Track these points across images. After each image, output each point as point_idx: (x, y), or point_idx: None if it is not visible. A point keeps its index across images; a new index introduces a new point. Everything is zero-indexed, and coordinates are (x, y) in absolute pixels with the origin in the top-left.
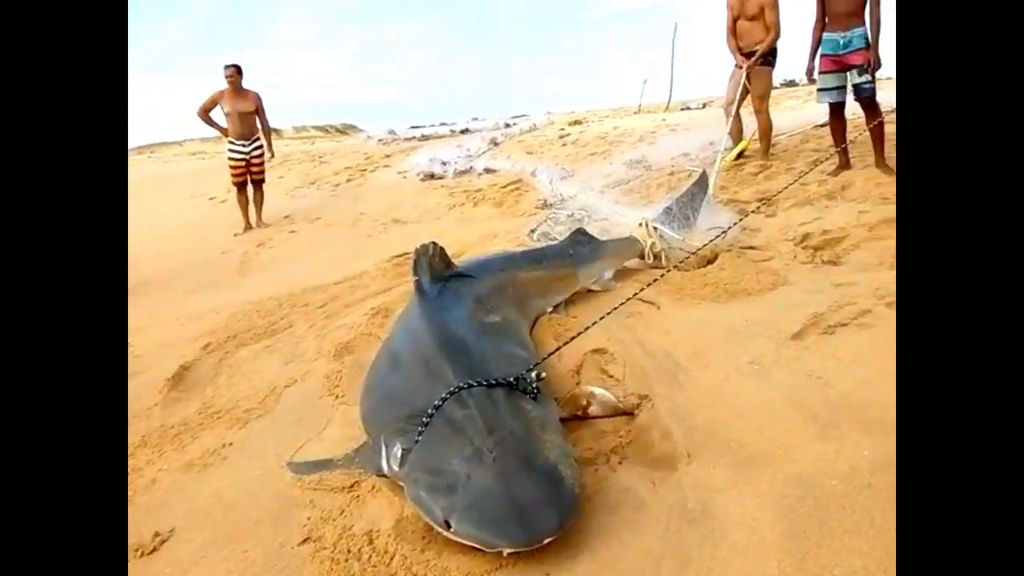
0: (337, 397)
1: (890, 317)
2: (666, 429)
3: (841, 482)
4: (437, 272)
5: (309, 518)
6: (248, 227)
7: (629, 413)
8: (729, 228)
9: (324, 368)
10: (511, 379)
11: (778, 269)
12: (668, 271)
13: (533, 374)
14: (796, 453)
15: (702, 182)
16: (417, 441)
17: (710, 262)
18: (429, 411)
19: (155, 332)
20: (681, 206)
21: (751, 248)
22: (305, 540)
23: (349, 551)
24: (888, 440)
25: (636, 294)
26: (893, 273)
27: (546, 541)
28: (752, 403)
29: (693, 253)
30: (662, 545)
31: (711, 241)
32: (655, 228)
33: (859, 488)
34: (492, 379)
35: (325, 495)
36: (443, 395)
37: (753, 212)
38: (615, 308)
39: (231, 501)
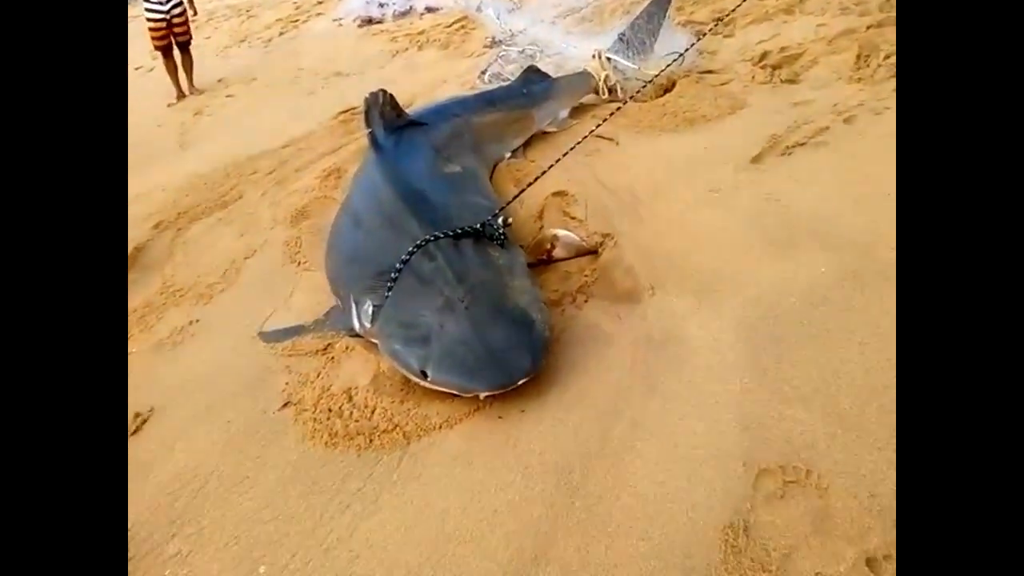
0: (299, 264)
1: (847, 133)
2: (629, 265)
3: (799, 299)
4: (390, 123)
5: (287, 383)
6: (181, 95)
7: (593, 252)
8: (684, 53)
9: (282, 236)
10: (477, 226)
11: (736, 92)
12: (624, 104)
13: (500, 220)
14: (756, 275)
15: (660, 3)
16: (387, 297)
17: (668, 90)
18: (397, 266)
19: None
20: (636, 31)
21: (709, 72)
22: (286, 404)
23: (330, 409)
24: (843, 256)
25: (593, 131)
26: (850, 87)
27: (520, 382)
28: (713, 230)
29: (648, 82)
30: (629, 374)
31: (665, 68)
32: (608, 59)
33: (816, 303)
34: (458, 228)
35: (300, 360)
36: (410, 249)
37: (710, 32)
38: (573, 147)
39: (207, 375)
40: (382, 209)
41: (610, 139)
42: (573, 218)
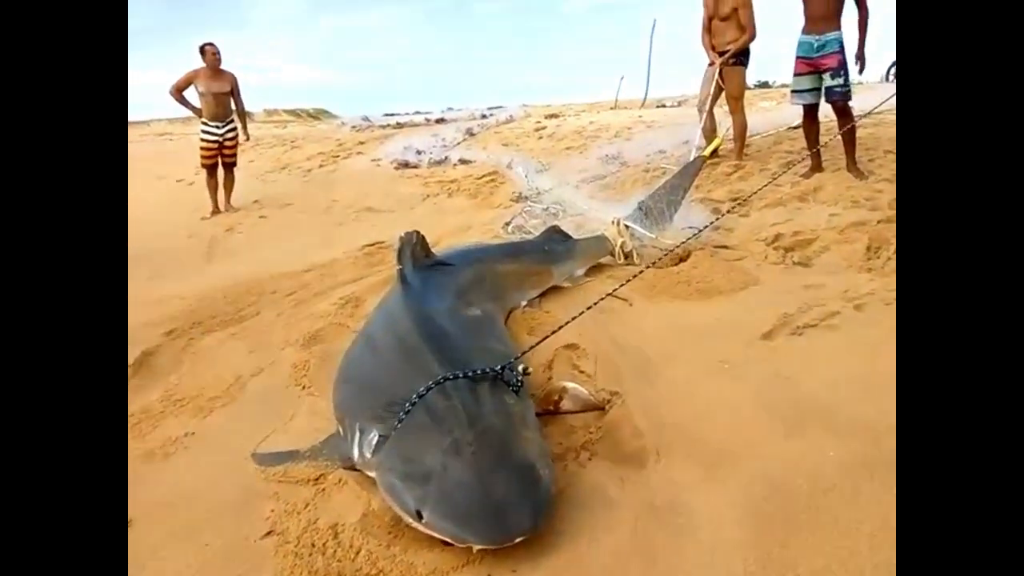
0: (304, 388)
1: (857, 319)
2: (636, 426)
3: (807, 482)
4: (419, 261)
5: (273, 511)
6: (216, 211)
7: (600, 408)
8: (704, 229)
9: (292, 357)
10: (497, 370)
11: (749, 269)
12: (644, 269)
13: (520, 367)
14: (763, 452)
15: (683, 179)
16: (396, 428)
17: (682, 260)
18: (412, 398)
19: None
20: (656, 202)
21: (724, 247)
22: (268, 533)
23: (313, 545)
24: (853, 442)
25: (612, 292)
26: (861, 276)
27: (518, 540)
28: (721, 402)
29: (667, 253)
30: (630, 543)
31: (685, 241)
32: (627, 226)
33: (824, 488)
34: (478, 370)
35: (290, 487)
36: (428, 384)
37: (728, 212)
38: (592, 305)
39: (193, 492)
40: (401, 342)
41: (625, 300)
42: (582, 372)
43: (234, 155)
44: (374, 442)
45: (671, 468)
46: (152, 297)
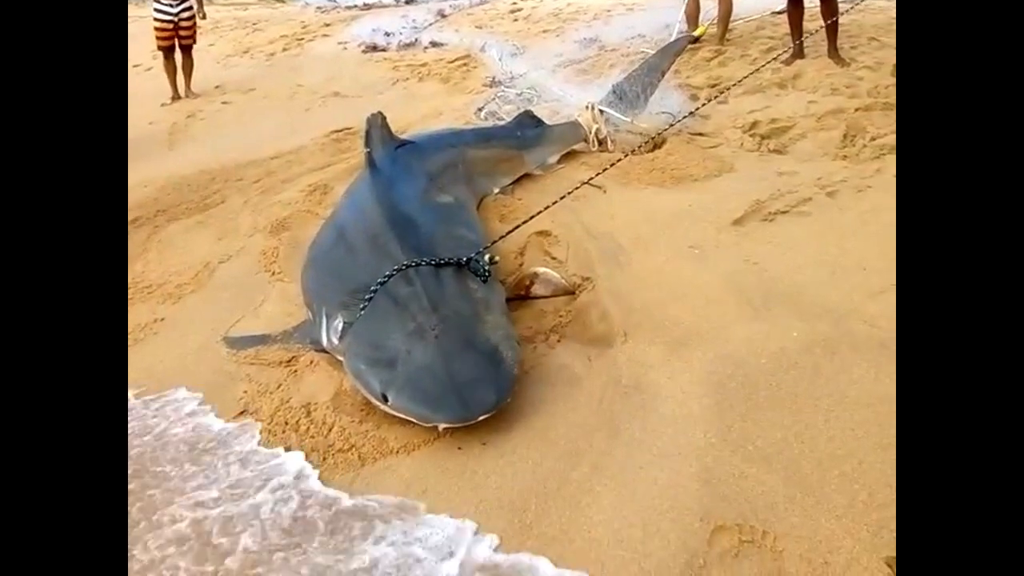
0: (274, 273)
1: (828, 206)
2: (605, 309)
3: (770, 361)
4: (388, 145)
5: (246, 391)
6: (176, 96)
7: (571, 293)
8: (683, 118)
9: (260, 244)
10: (462, 259)
11: (725, 156)
12: (621, 159)
13: (486, 257)
14: (729, 333)
15: (661, 60)
16: (360, 315)
17: (657, 147)
18: (374, 286)
19: None
20: (632, 84)
21: (699, 135)
22: (241, 412)
23: (286, 423)
24: (816, 323)
25: (587, 180)
26: (835, 163)
27: (481, 418)
28: (690, 286)
29: (644, 142)
30: (595, 417)
31: (663, 130)
32: (600, 111)
33: (786, 367)
34: (442, 258)
35: (262, 369)
36: (389, 271)
37: (709, 102)
38: (566, 194)
39: (164, 375)
40: (369, 228)
41: (598, 187)
42: (554, 258)
43: (192, 36)
44: (340, 328)
45: (637, 348)
46: None
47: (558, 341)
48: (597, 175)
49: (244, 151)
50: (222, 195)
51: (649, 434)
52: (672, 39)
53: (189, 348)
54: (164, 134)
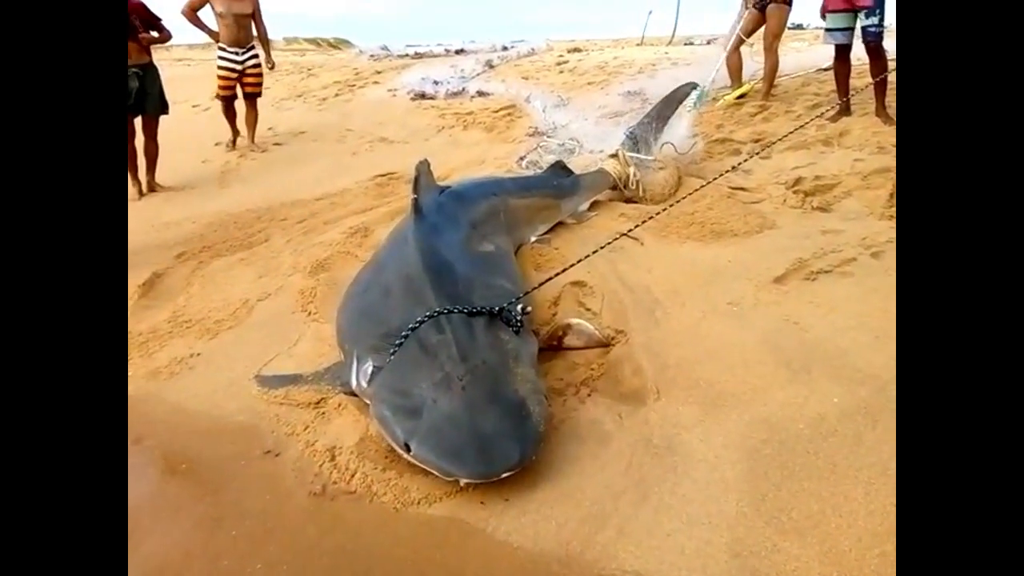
0: (310, 314)
1: (873, 267)
2: (638, 364)
3: (808, 427)
4: (433, 191)
5: (273, 432)
6: (233, 143)
7: (604, 345)
8: (725, 173)
9: (299, 284)
10: (495, 309)
11: (767, 212)
12: (661, 212)
13: (519, 307)
14: (766, 396)
15: (666, 107)
16: (389, 360)
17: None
18: (405, 331)
19: (129, 239)
20: (643, 130)
21: (741, 189)
22: (267, 452)
23: (310, 466)
24: (858, 389)
25: (626, 232)
26: (882, 223)
27: (504, 475)
28: (727, 344)
29: (687, 195)
30: (623, 478)
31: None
32: (630, 156)
33: (825, 434)
34: (475, 307)
35: (291, 410)
36: (421, 317)
37: (751, 157)
38: (604, 245)
39: (195, 411)
40: (406, 273)
41: (636, 239)
42: (588, 309)
43: (258, 86)
44: (369, 371)
45: (670, 407)
46: (164, 220)
47: (589, 395)
48: (636, 227)
49: (290, 192)
50: (266, 234)
51: (679, 499)
52: (676, 87)
53: (220, 385)
54: (216, 173)
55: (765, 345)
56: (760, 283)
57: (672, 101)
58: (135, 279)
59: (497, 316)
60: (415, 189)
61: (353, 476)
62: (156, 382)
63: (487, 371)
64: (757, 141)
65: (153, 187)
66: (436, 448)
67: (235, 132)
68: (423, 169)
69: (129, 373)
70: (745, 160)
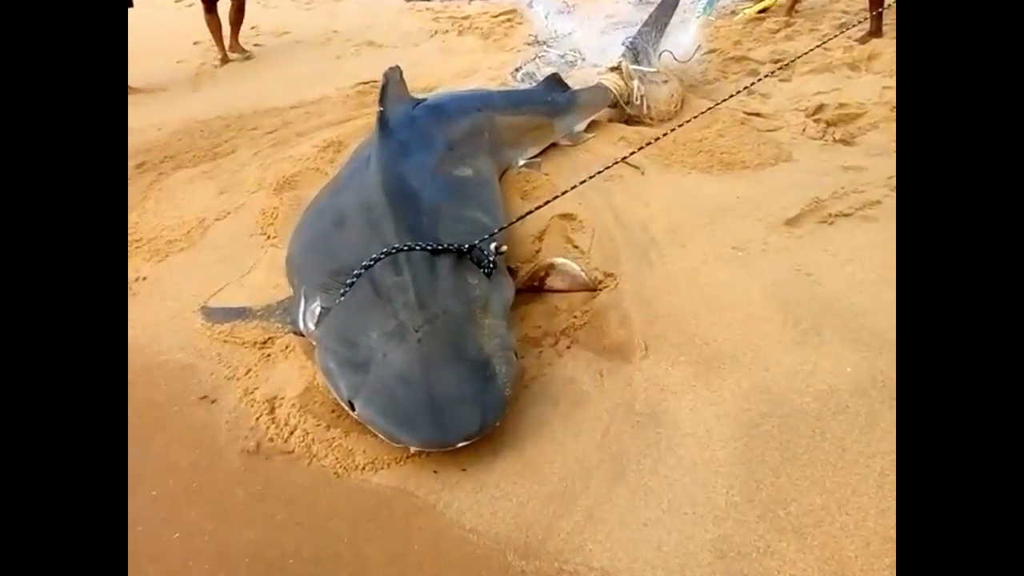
0: (269, 237)
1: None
2: (626, 313)
3: (815, 401)
4: (405, 104)
5: (212, 374)
6: (224, 58)
7: (591, 289)
8: (738, 93)
9: (261, 202)
10: (464, 246)
11: (783, 142)
12: (666, 134)
13: (492, 245)
14: (768, 360)
15: (660, 14)
16: (339, 302)
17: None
18: (357, 270)
19: None
20: (642, 40)
21: (756, 115)
22: (202, 398)
23: (247, 419)
24: (876, 358)
25: (623, 159)
26: None
27: (459, 445)
28: (728, 294)
29: (696, 116)
30: (598, 451)
31: (716, 105)
32: (634, 69)
33: (834, 411)
34: (440, 244)
35: (234, 350)
36: (376, 254)
37: (767, 76)
38: (597, 173)
39: (133, 345)
40: (365, 200)
41: (635, 167)
42: (576, 247)
43: None
44: (317, 312)
45: (658, 367)
46: (129, 125)
47: (568, 347)
48: (635, 152)
49: (265, 98)
50: (233, 144)
51: (660, 481)
52: None
53: (163, 316)
54: (190, 74)
55: (772, 299)
56: (770, 224)
57: (668, 7)
58: None
59: (466, 255)
60: (381, 101)
61: (292, 433)
62: None
63: (448, 322)
64: (777, 62)
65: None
66: (383, 409)
67: (221, 48)
68: (393, 78)
69: None
70: (758, 80)
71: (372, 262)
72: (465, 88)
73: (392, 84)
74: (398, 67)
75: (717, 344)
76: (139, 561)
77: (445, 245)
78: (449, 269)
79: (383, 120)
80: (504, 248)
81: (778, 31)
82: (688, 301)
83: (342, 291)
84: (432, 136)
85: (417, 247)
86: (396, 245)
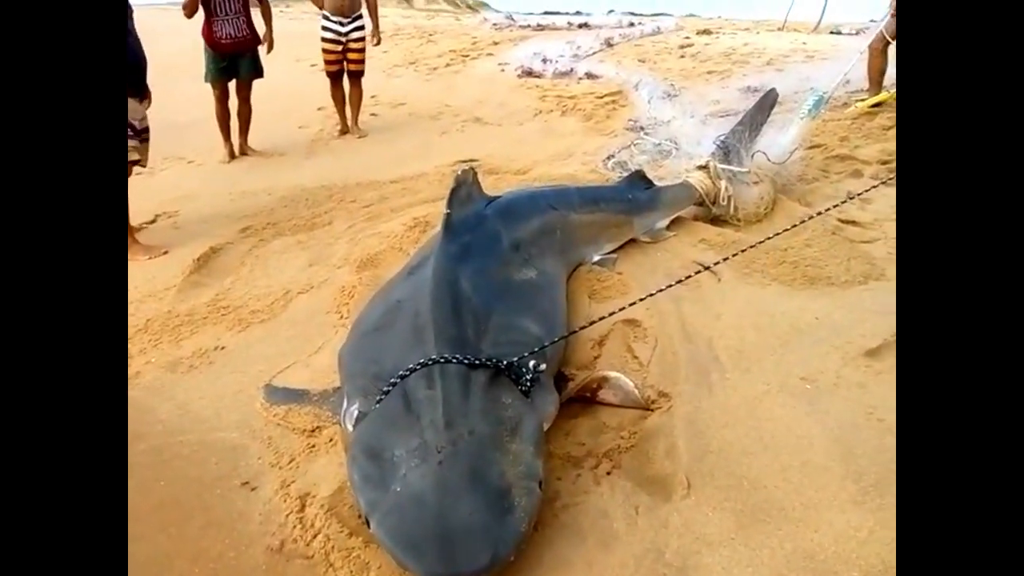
0: (341, 316)
1: None
2: (674, 443)
3: None
4: (476, 203)
5: (259, 459)
6: (344, 130)
7: (643, 408)
8: (840, 204)
9: (343, 279)
10: (502, 362)
11: (877, 257)
12: (755, 245)
13: (532, 362)
14: (820, 519)
15: (756, 114)
16: (374, 409)
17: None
18: (393, 379)
19: (205, 203)
20: (735, 139)
21: (852, 223)
22: (244, 484)
23: (278, 513)
24: None
25: (707, 267)
26: None
27: None
28: (787, 434)
29: (792, 227)
30: None
31: (814, 216)
32: (723, 169)
33: None
34: (477, 358)
35: (284, 435)
36: (413, 365)
37: (877, 186)
38: (674, 283)
39: (196, 418)
40: (415, 305)
41: (713, 272)
42: (636, 358)
43: (361, 61)
44: (355, 415)
45: (698, 509)
46: (241, 189)
47: (608, 473)
48: (723, 260)
49: (369, 170)
50: (331, 216)
51: None
52: (766, 91)
53: (229, 390)
54: (307, 141)
55: (835, 444)
56: (847, 354)
57: (764, 107)
58: (193, 252)
59: (504, 371)
60: (449, 203)
61: (315, 537)
62: (173, 375)
63: (472, 444)
64: (885, 163)
65: (245, 151)
66: (395, 532)
67: (343, 120)
68: (463, 180)
69: (153, 360)
70: (860, 195)
71: (408, 372)
72: (556, 175)
73: (462, 186)
74: (471, 168)
75: (767, 491)
76: None
77: (482, 360)
78: (483, 386)
79: (448, 223)
80: (543, 367)
81: (890, 128)
82: (743, 437)
83: (378, 398)
84: (498, 237)
85: (453, 360)
86: (433, 356)
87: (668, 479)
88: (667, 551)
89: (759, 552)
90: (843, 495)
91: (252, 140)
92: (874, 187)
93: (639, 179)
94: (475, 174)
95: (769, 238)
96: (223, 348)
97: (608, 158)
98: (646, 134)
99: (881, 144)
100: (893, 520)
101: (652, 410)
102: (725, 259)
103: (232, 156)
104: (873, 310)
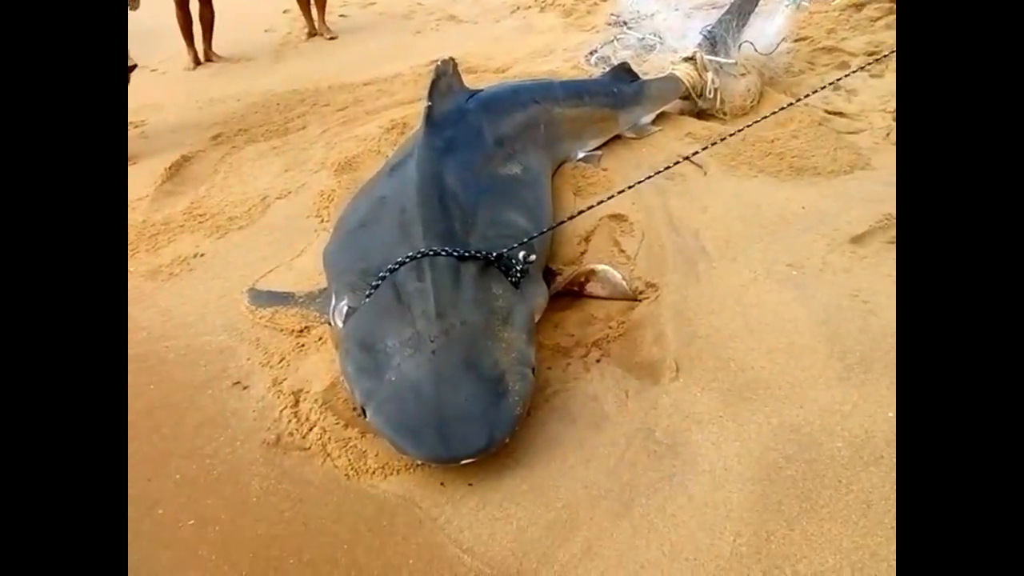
0: (323, 220)
1: None
2: (662, 330)
3: (847, 447)
4: (457, 97)
5: (248, 359)
6: (312, 32)
7: (630, 299)
8: (821, 89)
9: (321, 183)
10: (490, 254)
11: (863, 147)
12: (736, 133)
13: (521, 254)
14: (805, 396)
15: (744, 3)
16: (364, 303)
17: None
18: (382, 273)
19: (172, 113)
20: (722, 29)
21: (838, 114)
22: (235, 383)
23: (272, 409)
24: None
25: (688, 157)
26: None
27: (464, 463)
28: (774, 318)
29: (774, 112)
30: (608, 479)
31: (799, 100)
32: (710, 61)
33: (866, 461)
34: (466, 250)
35: (272, 335)
36: (400, 258)
37: (858, 71)
38: (656, 173)
39: (180, 323)
40: (400, 200)
41: (699, 165)
42: (623, 251)
43: None
44: (344, 311)
45: (687, 390)
46: (209, 96)
47: (597, 361)
48: (698, 152)
49: (341, 72)
50: (304, 120)
51: (666, 520)
52: None
53: (213, 295)
54: (275, 45)
55: (821, 326)
56: (833, 241)
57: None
58: (165, 161)
59: (493, 263)
60: (430, 95)
61: (311, 429)
62: (154, 282)
63: (465, 333)
64: (872, 54)
65: (210, 57)
66: (391, 420)
67: (310, 22)
68: (443, 71)
69: (131, 269)
70: (844, 77)
71: (397, 266)
72: (537, 73)
73: (443, 77)
74: (451, 59)
75: (753, 372)
76: (154, 548)
77: (471, 252)
78: (473, 277)
79: (429, 115)
80: (532, 257)
81: (879, 19)
82: (730, 322)
83: (368, 292)
84: (481, 131)
85: (443, 253)
86: (422, 249)
87: (657, 364)
88: (657, 430)
89: (746, 427)
90: (828, 373)
91: (217, 46)
92: (854, 72)
93: (624, 72)
94: (455, 65)
95: (749, 125)
96: (202, 255)
97: (590, 54)
98: (629, 28)
99: (868, 36)
100: (877, 394)
101: (640, 300)
102: (708, 147)
103: (197, 63)
104: (859, 198)
